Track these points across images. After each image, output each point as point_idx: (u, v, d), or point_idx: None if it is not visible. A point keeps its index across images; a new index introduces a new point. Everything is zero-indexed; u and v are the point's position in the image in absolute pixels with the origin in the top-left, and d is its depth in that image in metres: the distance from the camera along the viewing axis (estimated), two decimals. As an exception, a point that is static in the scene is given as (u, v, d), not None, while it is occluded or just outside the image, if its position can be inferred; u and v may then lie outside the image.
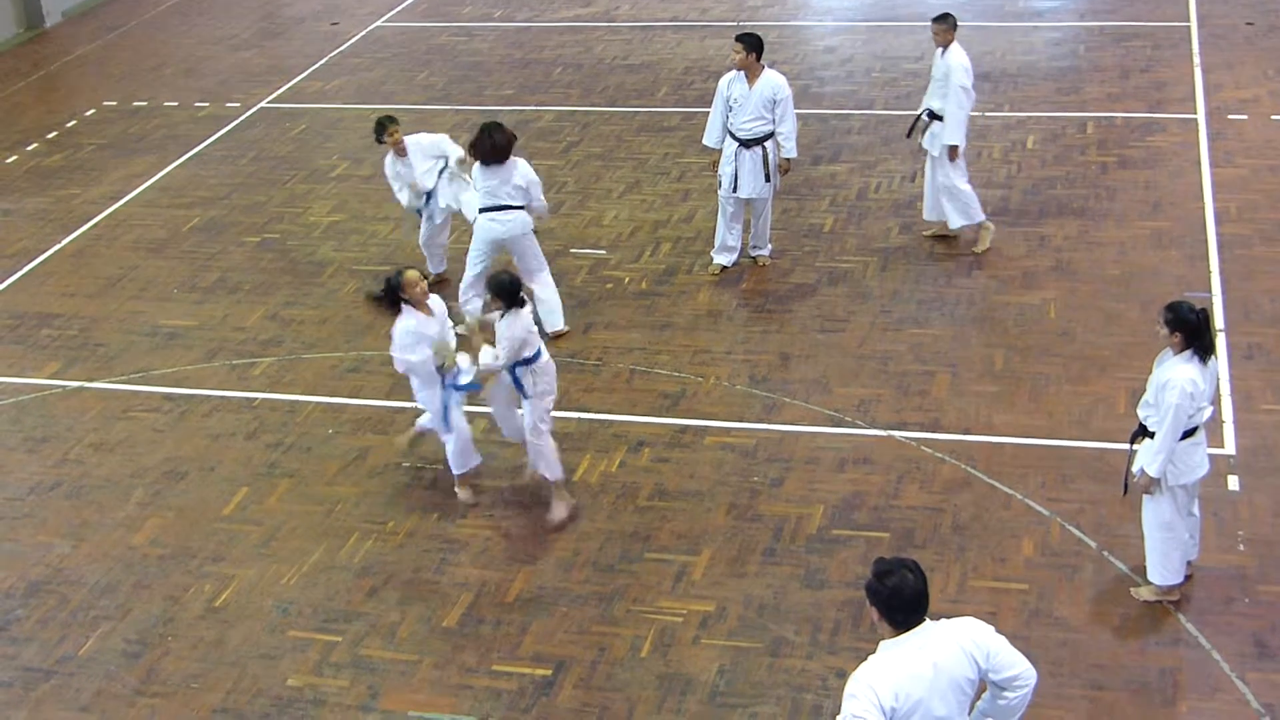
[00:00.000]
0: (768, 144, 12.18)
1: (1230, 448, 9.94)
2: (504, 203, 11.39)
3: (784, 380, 11.09)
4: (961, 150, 12.41)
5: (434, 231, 12.63)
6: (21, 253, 14.11)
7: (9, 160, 16.48)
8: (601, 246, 13.37)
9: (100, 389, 11.64)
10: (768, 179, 12.25)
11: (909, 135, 13.07)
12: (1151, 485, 8.18)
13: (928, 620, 5.72)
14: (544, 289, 11.77)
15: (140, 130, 17.14)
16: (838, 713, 5.73)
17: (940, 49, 12.37)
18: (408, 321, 9.39)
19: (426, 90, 17.77)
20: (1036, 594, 8.68)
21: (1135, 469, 8.29)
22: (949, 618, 5.87)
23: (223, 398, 11.36)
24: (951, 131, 12.33)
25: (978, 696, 5.94)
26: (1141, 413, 8.25)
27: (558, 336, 11.74)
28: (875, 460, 10.07)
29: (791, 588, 8.88)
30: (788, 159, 12.31)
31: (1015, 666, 5.82)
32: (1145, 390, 8.25)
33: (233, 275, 13.36)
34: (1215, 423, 10.12)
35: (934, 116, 12.52)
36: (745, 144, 12.19)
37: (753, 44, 12.04)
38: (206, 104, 17.85)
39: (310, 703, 8.24)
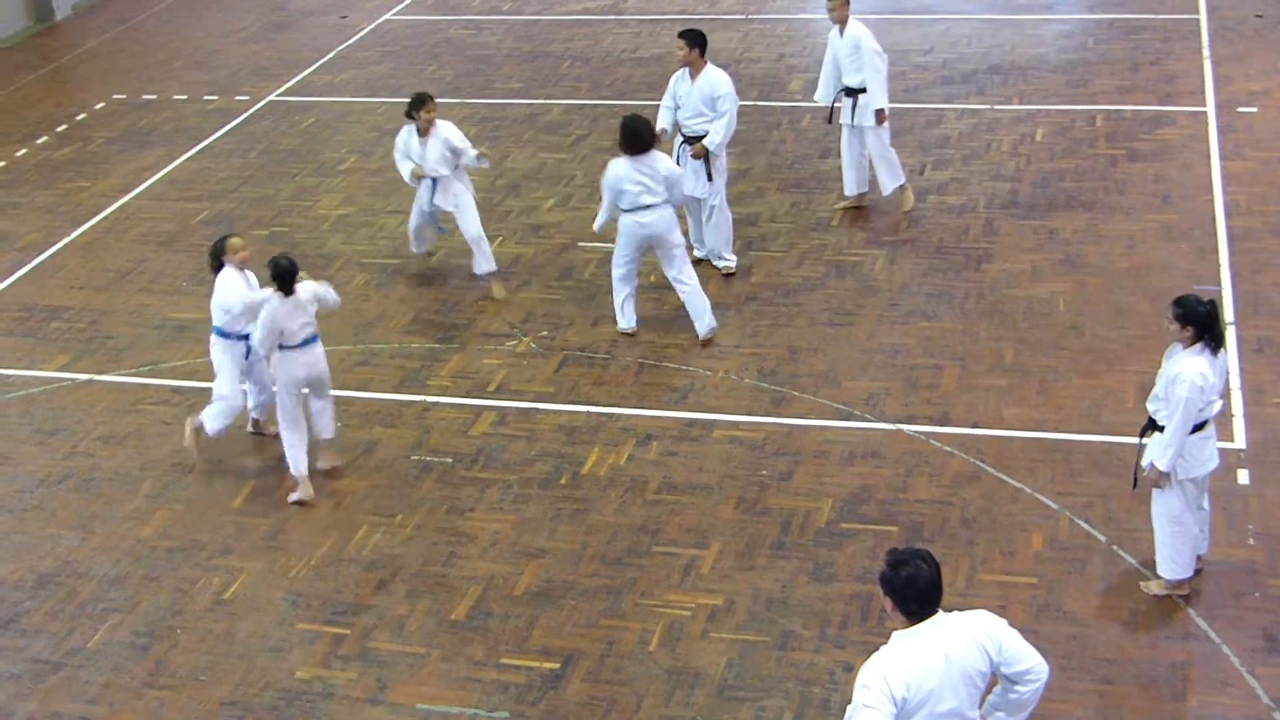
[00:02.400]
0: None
1: (1240, 441, 9.92)
2: (647, 202, 11.23)
3: (792, 374, 11.08)
4: (886, 112, 12.99)
5: (425, 220, 12.60)
6: (31, 246, 14.13)
7: (18, 153, 16.49)
8: (610, 240, 13.34)
9: (109, 382, 11.65)
10: (710, 179, 12.19)
11: (830, 121, 13.43)
12: (1161, 479, 8.16)
13: (941, 612, 5.72)
14: (688, 287, 11.54)
15: (149, 123, 17.15)
16: (846, 706, 5.73)
17: (838, 27, 12.90)
18: (232, 275, 10.10)
19: (435, 83, 17.75)
20: (1045, 588, 8.66)
21: (1145, 463, 8.26)
22: (960, 611, 5.86)
23: (231, 391, 11.37)
24: (878, 96, 12.88)
25: (989, 689, 5.93)
26: (1151, 406, 8.23)
27: (706, 343, 11.58)
28: (884, 454, 10.06)
29: (800, 581, 8.88)
30: (705, 146, 12.05)
31: (1027, 660, 5.81)
32: (1154, 384, 8.23)
33: (241, 268, 13.34)
34: (1225, 416, 10.10)
35: (851, 93, 12.93)
36: (689, 140, 12.18)
37: (695, 40, 12.03)
38: (215, 97, 17.86)
39: (319, 695, 8.25)
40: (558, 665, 8.35)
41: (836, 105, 13.15)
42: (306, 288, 9.83)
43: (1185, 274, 12.03)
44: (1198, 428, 8.06)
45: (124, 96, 18.13)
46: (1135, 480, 8.50)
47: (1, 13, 20.70)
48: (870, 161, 13.28)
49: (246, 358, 10.22)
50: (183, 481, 10.31)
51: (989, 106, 15.74)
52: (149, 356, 11.97)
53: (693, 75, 12.05)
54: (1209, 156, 14.15)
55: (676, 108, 12.21)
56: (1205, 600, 8.50)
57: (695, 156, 12.18)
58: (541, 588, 8.99)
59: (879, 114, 12.88)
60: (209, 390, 11.22)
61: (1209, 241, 12.54)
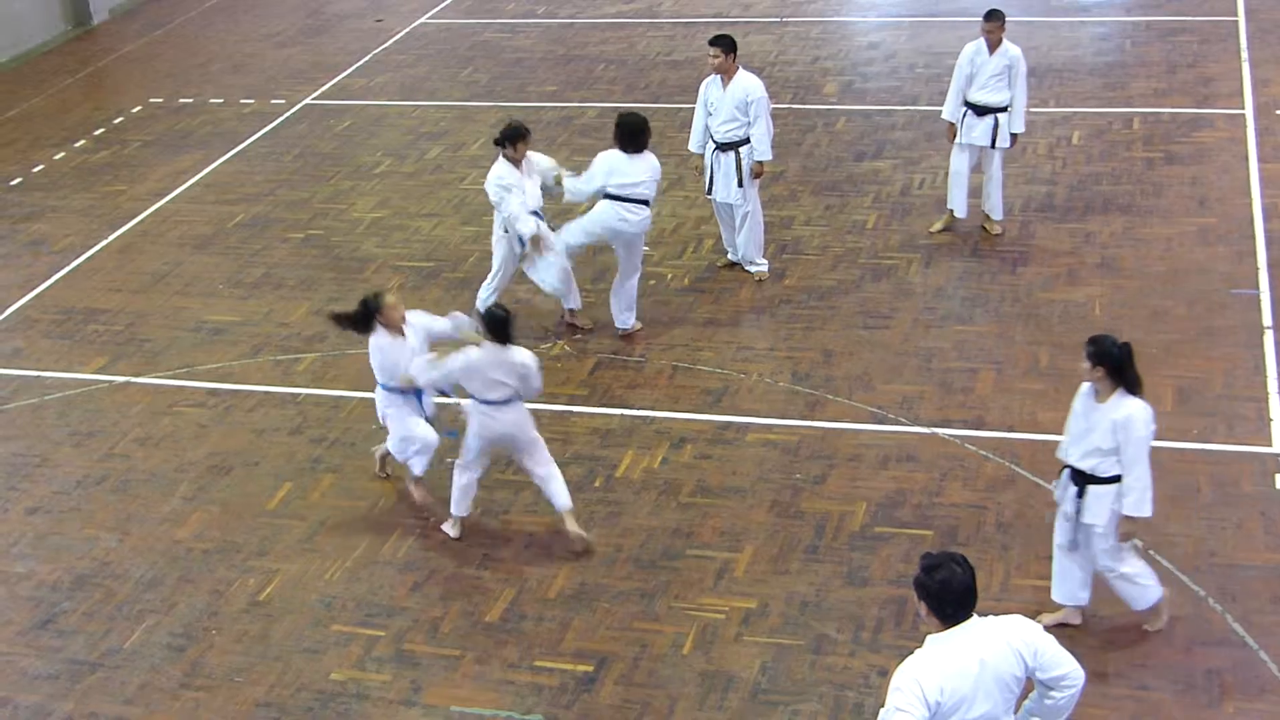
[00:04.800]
0: (742, 149, 12.08)
1: (1277, 446, 9.85)
2: (637, 196, 11.38)
3: (827, 377, 11.05)
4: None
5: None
6: (69, 248, 14.23)
7: (57, 156, 16.61)
8: (644, 243, 13.34)
9: (146, 384, 11.72)
10: (740, 184, 12.15)
11: (952, 139, 12.87)
12: (1139, 528, 7.85)
13: (975, 616, 5.69)
14: (631, 287, 11.82)
15: (186, 127, 17.25)
16: (880, 710, 5.72)
17: (992, 45, 12.47)
18: (381, 341, 9.42)
19: (470, 87, 17.81)
20: (1081, 593, 8.62)
21: (1093, 519, 7.88)
22: (995, 615, 5.84)
23: (267, 393, 11.41)
24: (1023, 119, 12.74)
25: (1024, 695, 5.90)
26: (1087, 464, 7.83)
27: (626, 335, 11.80)
28: (918, 458, 10.03)
29: (834, 585, 8.86)
30: (760, 161, 12.18)
31: (1063, 666, 5.78)
32: (1078, 439, 7.88)
33: (277, 271, 13.42)
34: (1262, 422, 10.05)
35: (982, 113, 12.57)
36: (721, 148, 12.15)
37: (729, 46, 11.96)
38: (252, 101, 17.95)
39: (353, 697, 8.27)
40: (591, 668, 8.35)
41: (966, 120, 12.68)
42: (520, 353, 9.11)
43: (1223, 277, 11.95)
44: None
45: (161, 100, 18.24)
46: (1075, 542, 8.05)
47: (39, 17, 20.87)
48: (983, 183, 12.98)
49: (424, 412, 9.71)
50: (219, 483, 10.36)
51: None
52: (185, 359, 12.03)
53: (725, 82, 12.01)
54: (1247, 159, 14.06)
55: (708, 115, 12.19)
56: (1242, 605, 8.44)
57: (756, 176, 12.22)
58: (575, 590, 8.99)
59: (1014, 137, 12.74)
60: (244, 392, 11.32)
61: (1247, 245, 12.45)
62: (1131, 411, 7.65)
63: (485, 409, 9.13)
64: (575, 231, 11.74)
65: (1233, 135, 14.66)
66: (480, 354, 9.04)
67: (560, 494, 9.32)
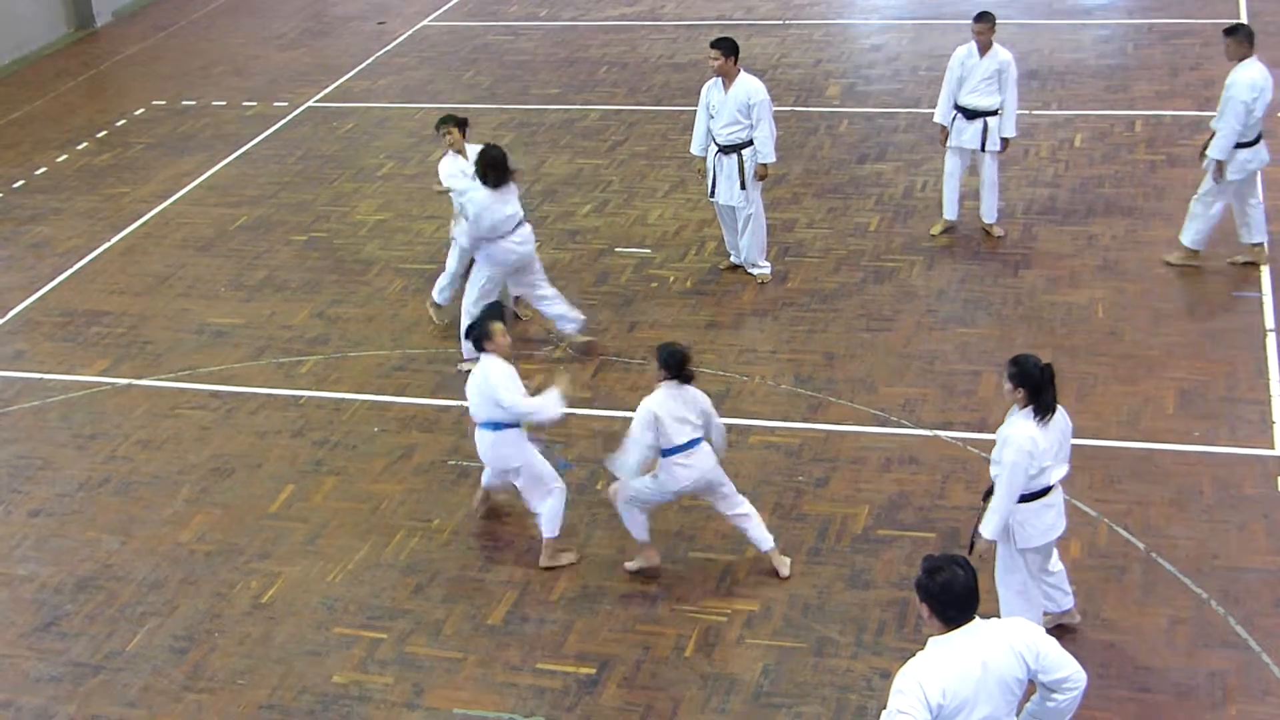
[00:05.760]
0: (745, 152, 12.06)
1: (1279, 449, 9.87)
2: (516, 224, 11.08)
3: (829, 379, 11.05)
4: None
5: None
6: (72, 251, 14.24)
7: (59, 159, 16.63)
8: (646, 245, 13.37)
9: (148, 386, 11.73)
10: (743, 187, 12.14)
11: (944, 143, 12.91)
12: (990, 548, 7.71)
13: (978, 619, 5.69)
14: (554, 298, 11.49)
15: (189, 129, 17.26)
16: (882, 713, 5.71)
17: (982, 48, 12.49)
18: (502, 366, 8.96)
19: (472, 89, 17.82)
20: (1084, 595, 8.60)
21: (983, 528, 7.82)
22: (997, 618, 5.84)
23: (269, 395, 11.42)
24: (1013, 122, 12.64)
25: (1026, 698, 5.90)
26: (992, 470, 7.75)
27: (591, 348, 11.62)
28: (921, 460, 10.02)
29: (836, 588, 8.86)
30: (764, 164, 12.15)
31: (1065, 668, 5.77)
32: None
33: (280, 273, 13.43)
34: (1264, 424, 10.05)
35: (973, 116, 12.60)
36: (724, 150, 12.13)
37: (730, 48, 11.94)
38: (254, 103, 17.96)
39: (356, 699, 8.27)
40: (594, 670, 8.35)
41: (956, 123, 12.71)
42: (698, 390, 8.73)
43: (1225, 280, 11.95)
44: (1039, 495, 7.66)
45: (164, 103, 18.26)
46: (971, 545, 7.87)
47: (43, 20, 20.90)
48: (978, 187, 12.98)
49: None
50: (221, 486, 10.36)
51: (1027, 112, 15.65)
52: (187, 361, 12.04)
53: (726, 84, 12.00)
54: (1249, 162, 14.03)
55: (710, 117, 12.18)
56: (1245, 608, 8.43)
57: (760, 178, 12.19)
58: (577, 593, 8.99)
59: (1006, 141, 12.69)
60: (246, 395, 11.31)
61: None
62: (1012, 433, 7.49)
63: (673, 458, 8.61)
64: (474, 291, 11.33)
65: (1235, 138, 14.62)
66: (660, 396, 8.62)
67: (762, 537, 8.94)
